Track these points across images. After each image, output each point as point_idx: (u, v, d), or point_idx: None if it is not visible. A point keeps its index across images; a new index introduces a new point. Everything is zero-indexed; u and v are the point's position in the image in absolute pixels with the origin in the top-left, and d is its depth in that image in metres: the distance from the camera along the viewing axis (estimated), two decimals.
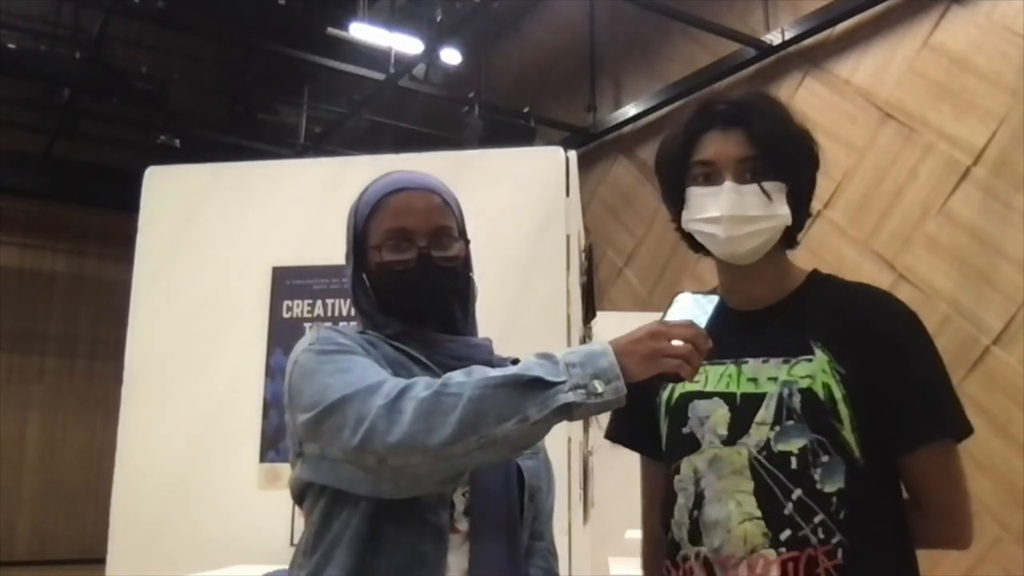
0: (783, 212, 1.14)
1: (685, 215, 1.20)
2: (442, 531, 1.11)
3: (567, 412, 0.99)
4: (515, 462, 1.19)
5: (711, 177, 1.16)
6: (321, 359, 1.10)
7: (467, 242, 1.27)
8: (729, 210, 1.13)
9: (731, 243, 1.15)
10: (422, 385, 1.01)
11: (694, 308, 1.05)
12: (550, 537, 1.31)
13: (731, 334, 1.17)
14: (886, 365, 1.11)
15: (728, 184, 1.14)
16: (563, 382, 0.99)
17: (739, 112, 1.16)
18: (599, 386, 0.99)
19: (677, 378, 1.00)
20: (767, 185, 1.13)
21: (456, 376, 1.02)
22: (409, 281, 1.20)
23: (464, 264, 1.26)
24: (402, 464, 0.99)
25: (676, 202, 1.21)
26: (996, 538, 4.16)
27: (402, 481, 1.01)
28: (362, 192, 1.27)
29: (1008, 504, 4.13)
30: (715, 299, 1.05)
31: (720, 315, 1.03)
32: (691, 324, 1.02)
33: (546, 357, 1.02)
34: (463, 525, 1.13)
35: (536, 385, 0.99)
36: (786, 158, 1.15)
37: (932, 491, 1.14)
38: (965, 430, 1.12)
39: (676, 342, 1.00)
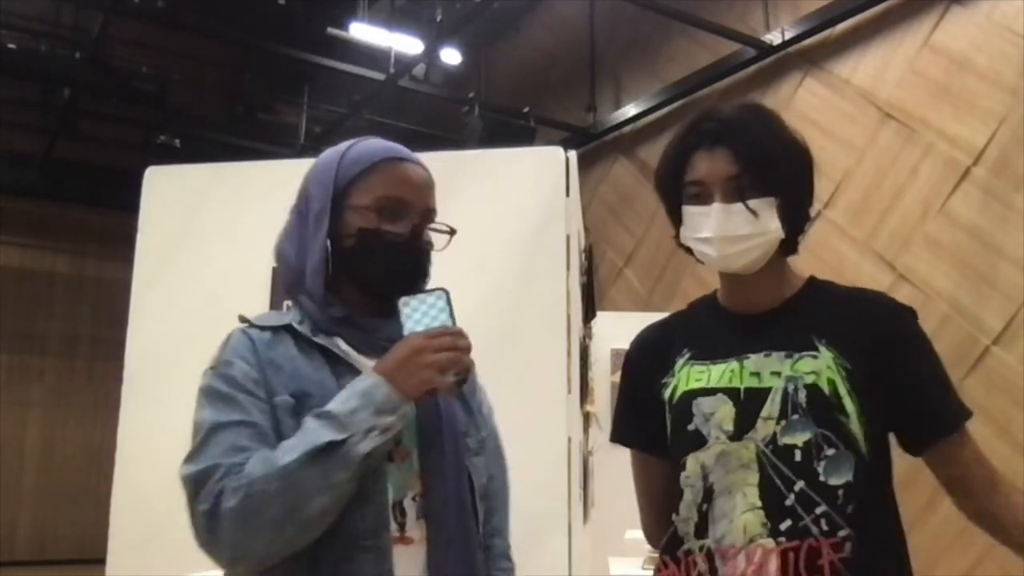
0: (773, 227, 1.17)
1: (683, 232, 1.23)
2: (385, 552, 1.06)
3: (369, 458, 1.01)
4: (463, 461, 1.14)
5: (702, 197, 1.19)
6: (210, 397, 1.11)
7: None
8: (718, 231, 1.16)
9: (725, 260, 1.18)
10: (231, 485, 1.01)
11: (428, 310, 1.08)
12: (508, 536, 1.28)
13: (733, 336, 1.22)
14: (893, 360, 1.15)
15: (717, 205, 1.17)
16: (352, 435, 0.99)
17: (725, 130, 1.18)
18: (387, 419, 1.01)
19: (462, 382, 1.06)
20: (754, 203, 1.15)
21: (254, 470, 1.00)
22: (397, 255, 1.14)
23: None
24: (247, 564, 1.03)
25: (676, 218, 1.25)
26: None
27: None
28: (344, 149, 1.19)
29: None
30: (442, 294, 1.08)
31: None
32: (444, 331, 1.05)
33: (323, 417, 1.01)
34: (416, 533, 1.09)
35: (330, 449, 0.98)
36: (774, 173, 1.17)
37: (971, 469, 1.17)
38: (967, 413, 1.17)
39: (440, 354, 1.03)
